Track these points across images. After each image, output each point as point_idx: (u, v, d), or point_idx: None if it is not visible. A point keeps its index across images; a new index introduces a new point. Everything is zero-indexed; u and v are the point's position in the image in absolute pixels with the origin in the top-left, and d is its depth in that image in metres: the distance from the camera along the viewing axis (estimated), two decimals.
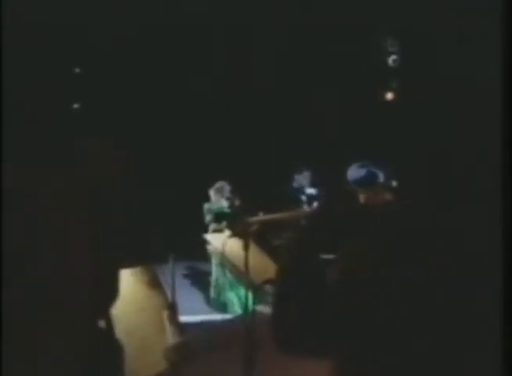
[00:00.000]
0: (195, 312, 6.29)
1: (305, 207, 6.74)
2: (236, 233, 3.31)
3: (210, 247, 6.61)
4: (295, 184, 7.62)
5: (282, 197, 7.33)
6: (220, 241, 3.53)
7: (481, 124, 1.05)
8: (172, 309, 2.10)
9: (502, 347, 0.94)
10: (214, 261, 6.84)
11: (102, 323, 0.85)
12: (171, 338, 1.96)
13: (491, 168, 1.00)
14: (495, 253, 0.96)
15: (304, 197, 7.35)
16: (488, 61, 1.07)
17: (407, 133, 1.15)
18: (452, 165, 1.05)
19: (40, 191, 0.77)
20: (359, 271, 1.04)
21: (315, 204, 6.83)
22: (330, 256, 1.14)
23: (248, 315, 3.02)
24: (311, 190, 7.57)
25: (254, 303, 3.23)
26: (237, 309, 6.66)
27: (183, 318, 2.48)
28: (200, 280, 7.44)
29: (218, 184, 6.94)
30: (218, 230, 6.33)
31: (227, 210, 6.80)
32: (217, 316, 6.56)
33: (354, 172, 3.40)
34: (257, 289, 3.20)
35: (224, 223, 6.54)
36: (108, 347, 0.86)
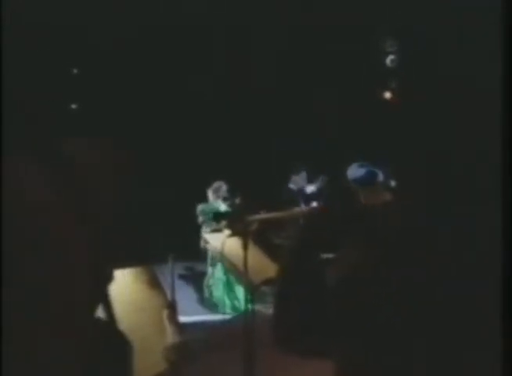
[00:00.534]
0: (192, 313, 6.29)
1: (304, 207, 6.75)
2: (235, 233, 3.31)
3: (209, 247, 6.62)
4: (292, 184, 7.63)
5: (279, 196, 7.35)
6: (219, 241, 3.53)
7: (481, 124, 1.05)
8: (172, 308, 2.10)
9: (503, 347, 0.94)
10: (209, 261, 6.84)
11: (104, 323, 0.85)
12: (170, 337, 1.96)
13: (491, 167, 1.00)
14: (495, 253, 0.96)
15: (300, 197, 7.36)
16: (487, 61, 1.07)
17: (406, 133, 1.16)
18: (451, 165, 1.05)
19: (40, 191, 0.77)
20: (359, 270, 1.04)
21: (314, 203, 6.84)
22: (330, 255, 1.14)
23: (247, 315, 3.02)
24: (310, 188, 7.58)
25: (253, 303, 3.23)
26: (228, 310, 6.65)
27: (181, 318, 2.49)
28: (197, 281, 7.44)
29: (216, 184, 6.95)
30: (217, 230, 6.33)
31: (223, 210, 6.80)
32: (214, 317, 6.56)
33: (354, 171, 3.41)
34: (255, 289, 3.20)
35: (223, 223, 6.53)
36: (111, 346, 0.86)
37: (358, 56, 8.79)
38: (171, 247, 4.16)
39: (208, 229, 6.70)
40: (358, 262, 1.05)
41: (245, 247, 2.87)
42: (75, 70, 8.68)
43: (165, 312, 2.06)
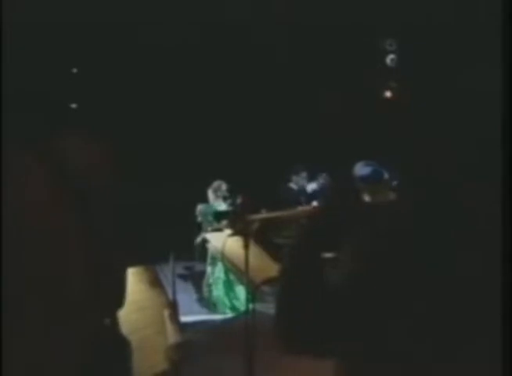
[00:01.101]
0: (192, 313, 6.29)
1: (306, 206, 6.74)
2: (236, 232, 3.31)
3: (209, 246, 6.62)
4: (293, 183, 7.64)
5: (279, 195, 7.35)
6: (220, 240, 3.53)
7: (481, 124, 1.05)
8: (173, 308, 2.10)
9: (503, 347, 0.94)
10: (209, 260, 6.84)
11: (107, 323, 0.85)
12: (171, 337, 1.96)
13: (494, 166, 1.00)
14: (497, 253, 0.96)
15: (301, 196, 7.36)
16: (488, 61, 1.07)
17: (407, 132, 1.16)
18: (456, 165, 1.05)
19: (39, 191, 0.77)
20: (362, 269, 1.04)
21: (316, 202, 6.83)
22: (333, 254, 1.14)
23: (247, 314, 3.02)
24: (312, 186, 7.58)
25: (253, 302, 3.23)
26: (227, 310, 6.64)
27: (181, 318, 2.49)
28: (198, 280, 7.44)
29: (216, 183, 6.94)
30: (218, 229, 6.32)
31: (223, 209, 6.79)
32: (215, 316, 6.55)
33: (360, 169, 3.45)
34: (256, 288, 3.20)
35: (223, 222, 6.53)
36: (113, 346, 0.86)
37: (359, 55, 8.79)
38: (171, 247, 4.16)
39: (207, 229, 6.69)
40: (360, 260, 1.05)
41: (246, 246, 2.86)
42: (74, 70, 8.67)
43: (166, 312, 2.06)
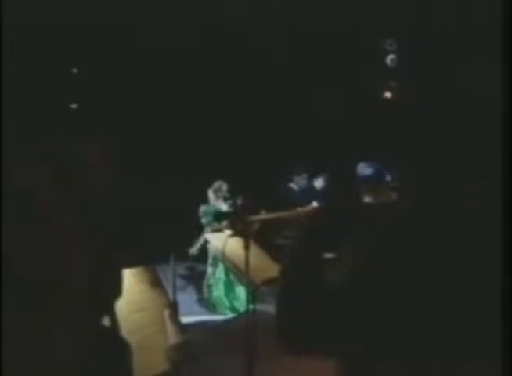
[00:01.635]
0: (193, 313, 6.29)
1: (307, 206, 6.74)
2: (236, 233, 3.31)
3: (210, 247, 6.62)
4: (293, 184, 7.64)
5: (279, 196, 7.34)
6: (220, 241, 3.53)
7: (481, 124, 1.05)
8: (173, 308, 2.10)
9: (503, 347, 0.94)
10: (210, 260, 6.83)
11: (106, 323, 0.85)
12: (172, 337, 1.96)
13: (494, 166, 1.00)
14: (497, 253, 0.96)
15: (302, 198, 7.36)
16: (488, 60, 1.07)
17: (407, 132, 1.16)
18: (456, 165, 1.05)
19: (39, 191, 0.77)
20: (362, 270, 1.04)
21: (316, 202, 6.84)
22: (333, 255, 1.14)
23: (248, 314, 3.02)
24: (319, 182, 7.58)
25: (254, 303, 3.23)
26: (226, 310, 6.64)
27: (182, 318, 2.49)
28: (198, 281, 7.43)
29: (217, 184, 6.92)
30: (218, 230, 6.32)
31: (224, 210, 6.78)
32: (216, 317, 6.55)
33: (362, 170, 3.46)
34: (257, 289, 3.20)
35: (224, 223, 6.52)
36: (113, 346, 0.86)
37: (359, 55, 8.79)
38: (171, 247, 4.16)
39: (210, 229, 6.68)
40: (361, 261, 1.05)
41: (246, 247, 2.87)
42: (74, 70, 8.68)
43: (166, 313, 2.06)
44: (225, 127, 9.68)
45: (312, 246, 1.16)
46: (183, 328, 2.11)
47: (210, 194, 6.90)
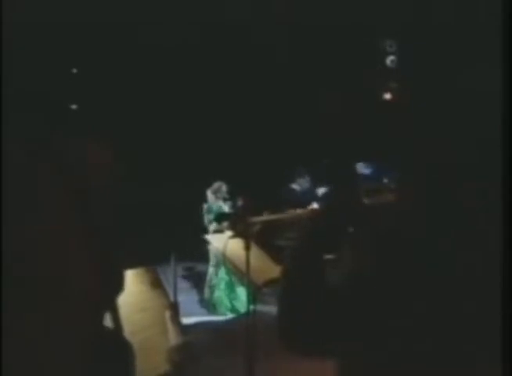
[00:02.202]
0: (194, 314, 6.29)
1: (308, 207, 6.73)
2: (237, 234, 3.31)
3: (211, 248, 6.61)
4: (296, 185, 7.64)
5: (280, 197, 7.34)
6: (221, 242, 3.53)
7: (481, 124, 1.05)
8: (174, 309, 2.10)
9: (503, 347, 0.94)
10: (211, 262, 6.82)
11: (108, 323, 0.85)
12: (173, 338, 1.96)
13: (494, 166, 1.00)
14: (497, 253, 0.96)
15: (303, 199, 7.35)
16: (488, 60, 1.07)
17: (407, 133, 1.16)
18: (456, 165, 1.05)
19: (40, 191, 0.77)
20: (362, 270, 1.04)
21: (316, 204, 6.83)
22: (335, 256, 1.14)
23: (249, 315, 3.02)
24: (322, 190, 7.57)
25: (255, 304, 3.23)
26: (227, 311, 6.63)
27: (183, 319, 2.49)
28: (199, 281, 7.43)
29: (216, 185, 6.90)
30: (219, 231, 6.31)
31: (225, 210, 6.77)
32: (216, 317, 6.55)
33: (361, 169, 3.47)
34: (258, 290, 3.20)
35: (224, 224, 6.51)
36: (115, 347, 0.86)
37: (359, 56, 8.79)
38: (172, 247, 4.16)
39: (217, 227, 6.66)
40: (361, 262, 1.05)
41: (247, 248, 2.86)
42: (74, 70, 8.67)
43: (167, 313, 2.06)
44: (225, 127, 9.68)
45: (313, 247, 1.16)
46: (184, 329, 2.11)
47: (209, 195, 6.88)
